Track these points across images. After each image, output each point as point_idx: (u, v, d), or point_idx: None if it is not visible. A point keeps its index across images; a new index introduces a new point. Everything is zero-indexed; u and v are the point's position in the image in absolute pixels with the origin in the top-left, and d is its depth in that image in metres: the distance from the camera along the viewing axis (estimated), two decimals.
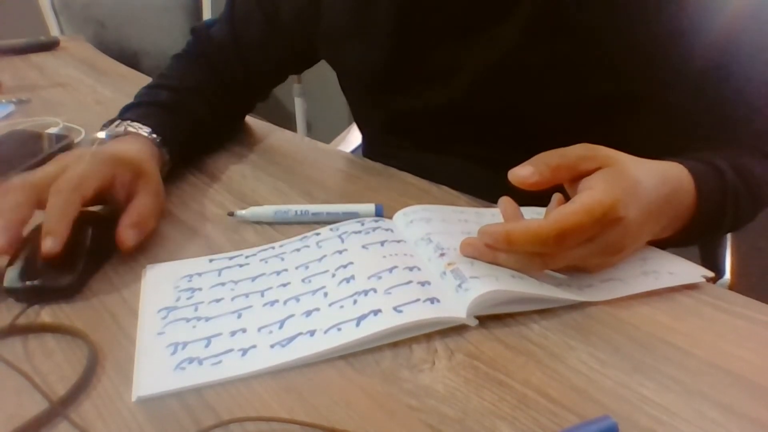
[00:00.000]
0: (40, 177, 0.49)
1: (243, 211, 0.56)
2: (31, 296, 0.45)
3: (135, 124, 0.63)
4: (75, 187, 0.48)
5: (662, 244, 0.50)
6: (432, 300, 0.42)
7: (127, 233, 0.50)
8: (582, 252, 0.43)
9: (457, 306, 0.42)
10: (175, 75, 0.76)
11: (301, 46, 0.75)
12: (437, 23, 0.63)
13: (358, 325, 0.40)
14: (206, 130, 0.73)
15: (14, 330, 0.42)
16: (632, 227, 0.43)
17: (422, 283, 0.44)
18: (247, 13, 0.75)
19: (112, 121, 0.65)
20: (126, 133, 0.62)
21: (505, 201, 0.49)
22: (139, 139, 0.61)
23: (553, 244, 0.41)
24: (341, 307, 0.43)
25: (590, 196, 0.42)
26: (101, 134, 0.62)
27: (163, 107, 0.67)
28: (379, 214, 0.55)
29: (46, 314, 0.44)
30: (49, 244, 0.45)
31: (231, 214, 0.56)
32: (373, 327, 0.40)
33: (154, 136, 0.62)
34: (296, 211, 0.56)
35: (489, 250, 0.44)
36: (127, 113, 0.65)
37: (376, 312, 0.41)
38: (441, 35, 0.63)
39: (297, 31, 0.73)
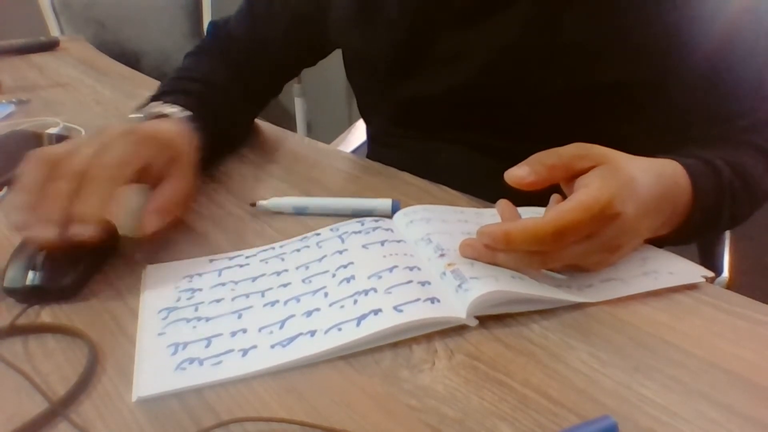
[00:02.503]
0: (77, 159, 0.46)
1: (264, 202, 0.58)
2: (31, 296, 0.45)
3: (173, 106, 0.61)
4: (112, 177, 0.46)
5: (660, 242, 0.50)
6: (432, 300, 0.42)
7: (150, 218, 0.49)
8: (581, 249, 0.43)
9: (457, 306, 0.42)
10: (200, 70, 0.75)
11: (318, 35, 0.75)
12: (445, 7, 0.63)
13: (358, 324, 0.40)
14: (229, 134, 0.72)
15: (14, 330, 0.42)
16: (630, 223, 0.43)
17: (422, 283, 0.44)
18: (268, 6, 0.75)
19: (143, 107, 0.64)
20: (162, 114, 0.60)
21: (502, 203, 0.49)
22: (178, 122, 0.59)
23: (551, 242, 0.41)
24: (342, 307, 0.43)
25: (586, 193, 0.42)
26: (137, 115, 0.61)
27: (197, 98, 0.66)
28: (396, 209, 0.56)
29: (46, 314, 0.44)
30: (82, 231, 0.44)
31: (253, 205, 0.58)
32: (373, 327, 0.40)
33: (191, 123, 0.61)
34: (313, 206, 0.57)
35: (488, 251, 0.44)
36: (158, 100, 0.64)
37: (376, 311, 0.41)
38: (449, 19, 0.63)
39: (314, 20, 0.73)
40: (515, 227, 0.42)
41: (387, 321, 0.40)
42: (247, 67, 0.77)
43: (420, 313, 0.41)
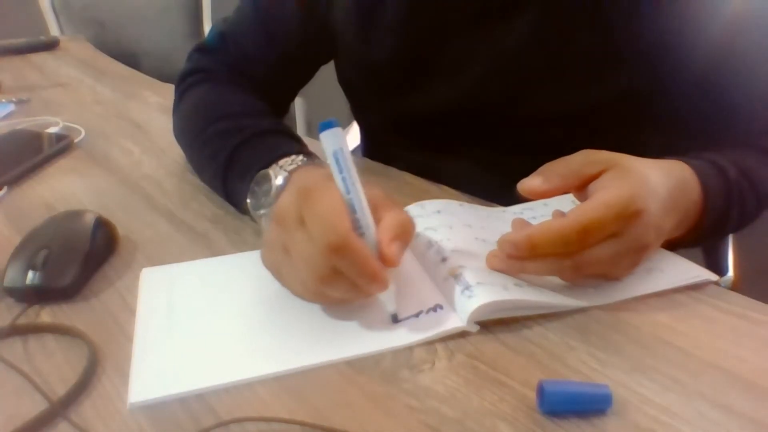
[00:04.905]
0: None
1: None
2: (31, 296, 0.45)
3: (284, 160, 0.52)
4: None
5: (673, 245, 0.50)
6: (435, 308, 0.42)
7: (390, 248, 0.40)
8: (609, 251, 0.42)
9: (458, 312, 0.41)
10: (244, 104, 0.66)
11: (330, 32, 0.70)
12: (447, 14, 0.62)
13: (357, 339, 0.40)
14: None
15: (14, 330, 0.42)
16: (654, 220, 0.43)
17: (424, 289, 0.44)
18: (280, 10, 0.69)
19: (245, 170, 0.54)
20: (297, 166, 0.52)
21: (517, 222, 0.49)
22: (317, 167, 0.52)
23: (577, 241, 0.41)
24: (342, 314, 0.42)
25: (606, 192, 0.42)
26: (279, 181, 0.50)
27: (286, 134, 0.60)
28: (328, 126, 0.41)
29: (46, 314, 0.44)
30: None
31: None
32: (371, 347, 0.40)
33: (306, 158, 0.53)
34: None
35: (515, 261, 0.43)
36: (245, 150, 0.57)
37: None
38: (451, 27, 0.62)
39: (327, 18, 0.68)
40: (538, 230, 0.42)
41: (386, 341, 0.40)
42: (272, 87, 0.71)
43: (420, 332, 0.41)
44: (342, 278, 0.39)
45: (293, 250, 0.40)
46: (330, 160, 0.41)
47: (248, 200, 0.53)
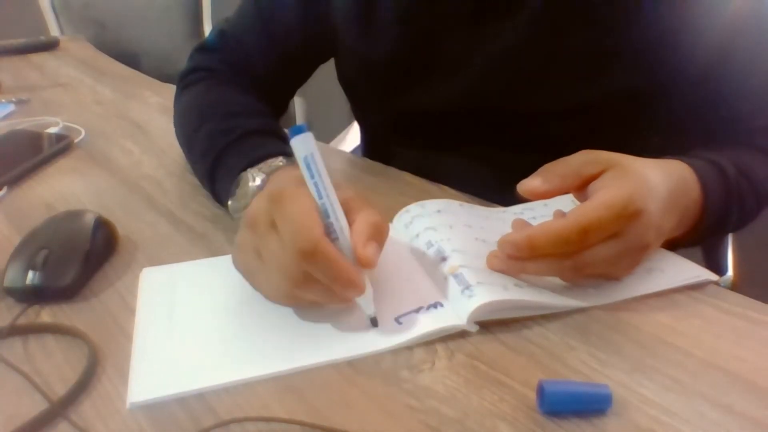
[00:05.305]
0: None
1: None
2: (31, 296, 0.45)
3: (266, 162, 0.52)
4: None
5: (673, 245, 0.50)
6: (435, 305, 0.42)
7: (366, 250, 0.40)
8: (609, 251, 0.42)
9: (458, 311, 0.41)
10: (240, 103, 0.66)
11: (331, 34, 0.70)
12: (446, 11, 0.62)
13: (357, 338, 0.40)
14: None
15: (14, 330, 0.42)
16: (654, 220, 0.43)
17: (424, 287, 0.44)
18: (281, 10, 0.70)
19: (229, 172, 0.54)
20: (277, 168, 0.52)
21: (517, 222, 0.49)
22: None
23: (577, 242, 0.41)
24: (342, 313, 0.42)
25: (606, 192, 0.42)
26: (257, 182, 0.51)
27: (265, 134, 0.59)
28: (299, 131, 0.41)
29: (46, 314, 0.44)
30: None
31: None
32: (373, 345, 0.40)
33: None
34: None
35: (515, 262, 0.43)
36: (231, 151, 0.57)
37: (375, 323, 0.41)
38: (450, 24, 0.62)
39: (327, 17, 0.69)
40: (537, 231, 0.42)
41: (386, 340, 0.40)
42: (272, 86, 0.72)
43: (420, 327, 0.41)
44: (316, 282, 0.39)
45: (265, 254, 0.40)
46: (301, 166, 0.40)
47: (229, 202, 0.53)
